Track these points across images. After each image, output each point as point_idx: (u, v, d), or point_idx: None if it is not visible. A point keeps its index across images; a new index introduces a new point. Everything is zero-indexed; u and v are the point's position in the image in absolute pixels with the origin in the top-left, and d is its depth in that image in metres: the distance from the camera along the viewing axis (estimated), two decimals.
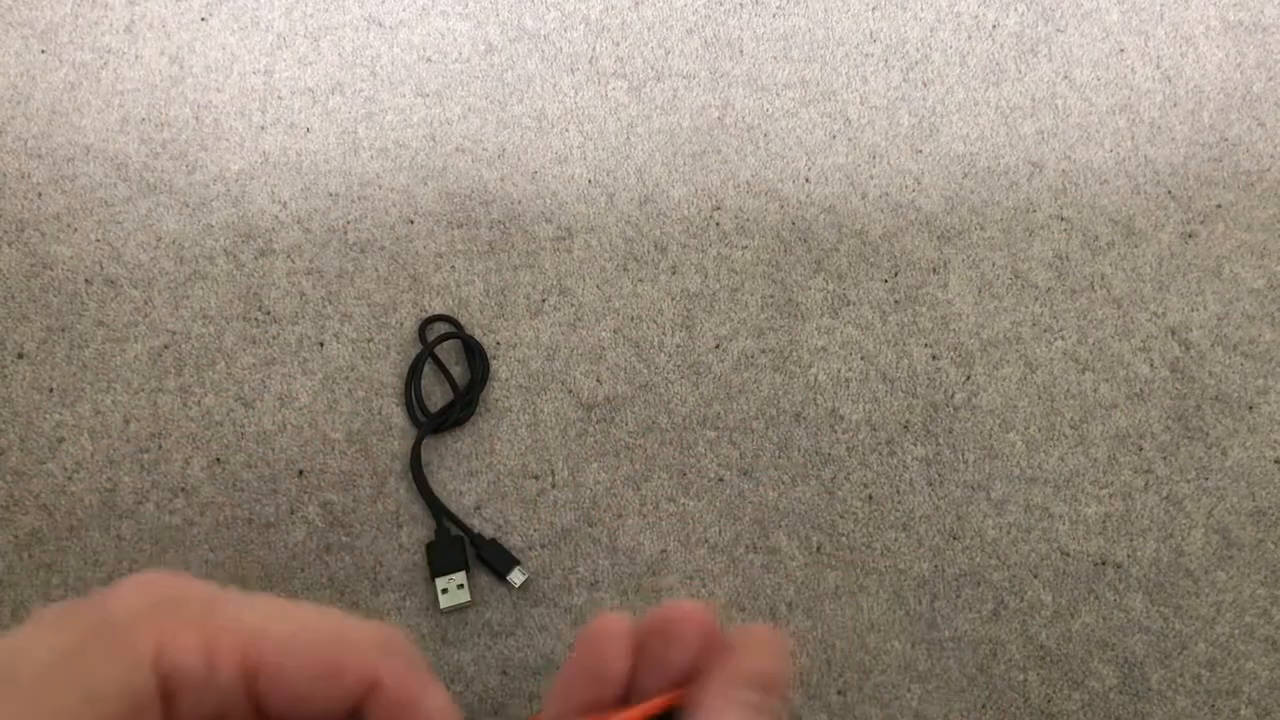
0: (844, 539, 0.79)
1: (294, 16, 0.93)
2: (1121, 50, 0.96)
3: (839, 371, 0.84)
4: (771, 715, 0.24)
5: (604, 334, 0.84)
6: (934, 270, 0.87)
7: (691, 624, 0.26)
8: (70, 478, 0.77)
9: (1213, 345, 0.86)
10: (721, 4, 0.96)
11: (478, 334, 0.83)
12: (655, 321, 0.84)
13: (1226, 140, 0.93)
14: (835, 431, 0.82)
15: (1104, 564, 0.80)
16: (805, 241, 0.87)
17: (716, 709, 0.24)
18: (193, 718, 0.21)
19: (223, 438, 0.79)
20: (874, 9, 0.96)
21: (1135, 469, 0.82)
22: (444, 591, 0.74)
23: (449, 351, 0.83)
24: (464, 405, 0.79)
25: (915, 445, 0.82)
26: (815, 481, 0.80)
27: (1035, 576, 0.79)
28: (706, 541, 0.79)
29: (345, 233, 0.86)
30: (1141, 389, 0.85)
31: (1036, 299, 0.87)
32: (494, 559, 0.75)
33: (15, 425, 0.79)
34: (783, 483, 0.80)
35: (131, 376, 0.81)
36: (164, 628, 0.20)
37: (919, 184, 0.90)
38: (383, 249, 0.85)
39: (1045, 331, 0.86)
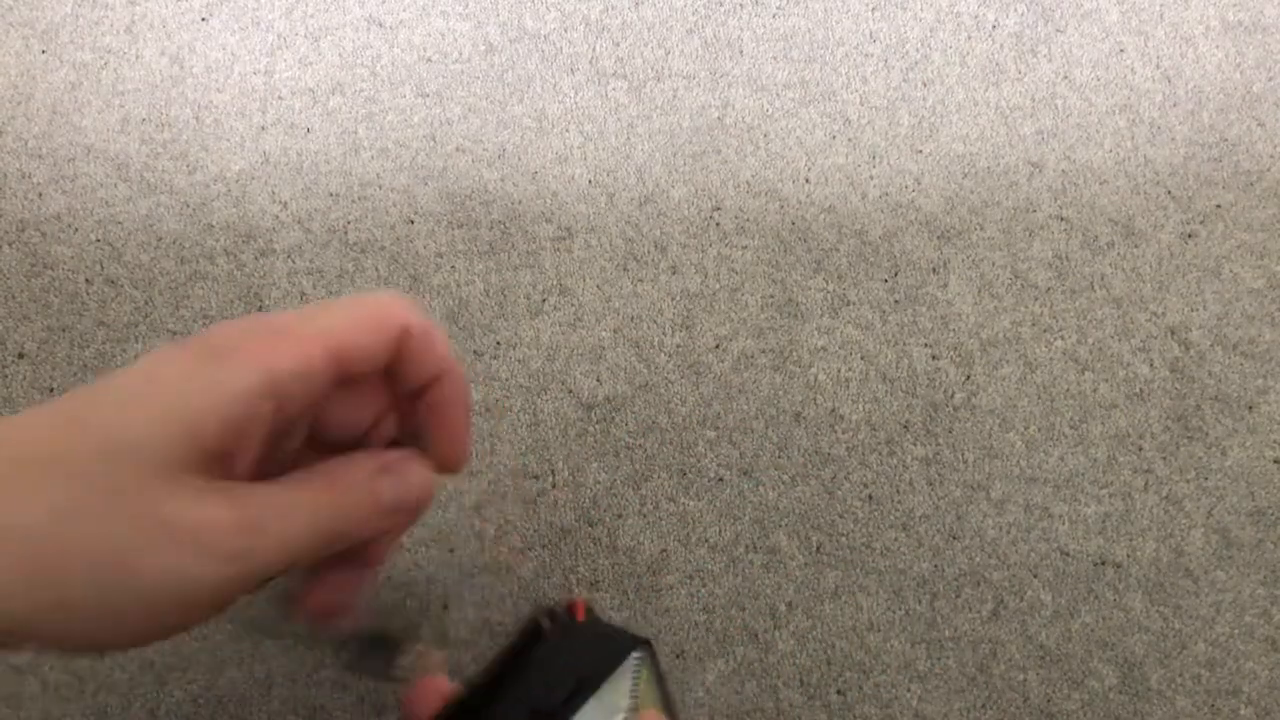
0: (844, 539, 0.79)
1: (294, 16, 0.93)
2: (1121, 50, 0.96)
3: (839, 371, 0.84)
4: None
5: (604, 334, 0.84)
6: (934, 270, 0.87)
7: None
8: None
9: (1212, 345, 0.86)
10: (721, 4, 0.96)
11: (478, 334, 0.83)
12: (655, 321, 0.84)
13: (1226, 140, 0.93)
14: (835, 431, 0.82)
15: (1104, 564, 0.80)
16: (805, 241, 0.87)
17: None
18: (297, 408, 0.29)
19: None
20: (874, 9, 0.96)
21: (1135, 469, 0.82)
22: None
23: None
24: None
25: (915, 445, 0.82)
26: (815, 481, 0.81)
27: (1035, 576, 0.79)
28: (706, 541, 0.79)
29: (345, 233, 0.86)
30: (1141, 389, 0.85)
31: (1036, 299, 0.87)
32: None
33: None
34: (783, 483, 0.80)
35: None
36: (268, 348, 0.28)
37: (919, 184, 0.90)
38: (383, 249, 0.85)
39: (1045, 331, 0.86)
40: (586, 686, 0.29)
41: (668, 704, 0.31)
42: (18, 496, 0.25)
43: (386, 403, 0.34)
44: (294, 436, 0.33)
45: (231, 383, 0.27)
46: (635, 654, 0.30)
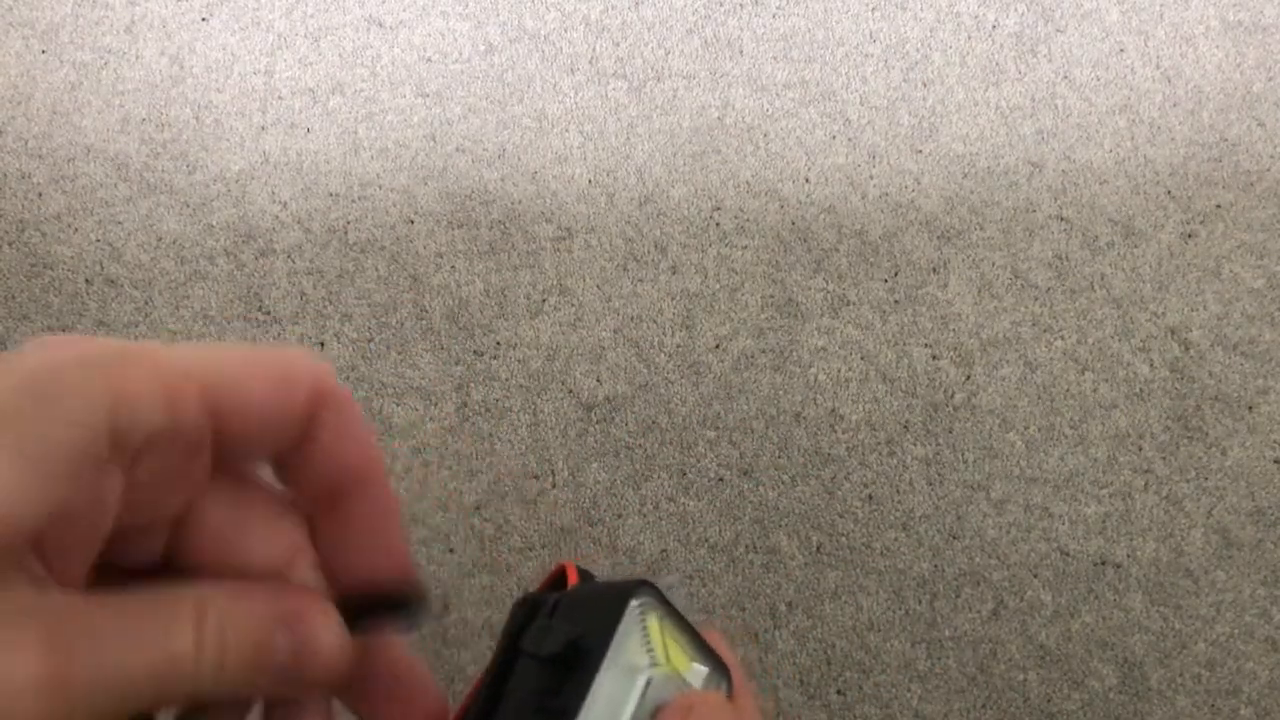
0: (844, 539, 0.79)
1: (294, 17, 0.93)
2: (1121, 50, 0.96)
3: (839, 371, 0.84)
4: None
5: (604, 334, 0.84)
6: (934, 270, 0.87)
7: None
8: None
9: (1213, 345, 0.86)
10: (721, 4, 0.96)
11: (478, 334, 0.83)
12: (655, 321, 0.84)
13: (1226, 140, 0.93)
14: (835, 431, 0.82)
15: (1104, 564, 0.80)
16: (805, 241, 0.87)
17: None
18: (158, 469, 0.19)
19: None
20: (874, 9, 0.96)
21: (1135, 469, 0.82)
22: None
23: None
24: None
25: (915, 445, 0.82)
26: (815, 481, 0.81)
27: (1035, 576, 0.79)
28: (706, 541, 0.79)
29: (345, 233, 0.86)
30: (1141, 389, 0.85)
31: (1036, 299, 0.87)
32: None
33: None
34: (783, 483, 0.80)
35: None
36: (115, 377, 0.18)
37: (919, 184, 0.90)
38: (383, 249, 0.85)
39: (1045, 331, 0.86)
40: (589, 662, 0.26)
41: (694, 639, 0.27)
42: None
43: (300, 532, 0.23)
44: (154, 534, 0.22)
45: (58, 415, 0.17)
46: (634, 602, 0.25)
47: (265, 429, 0.21)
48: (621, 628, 0.25)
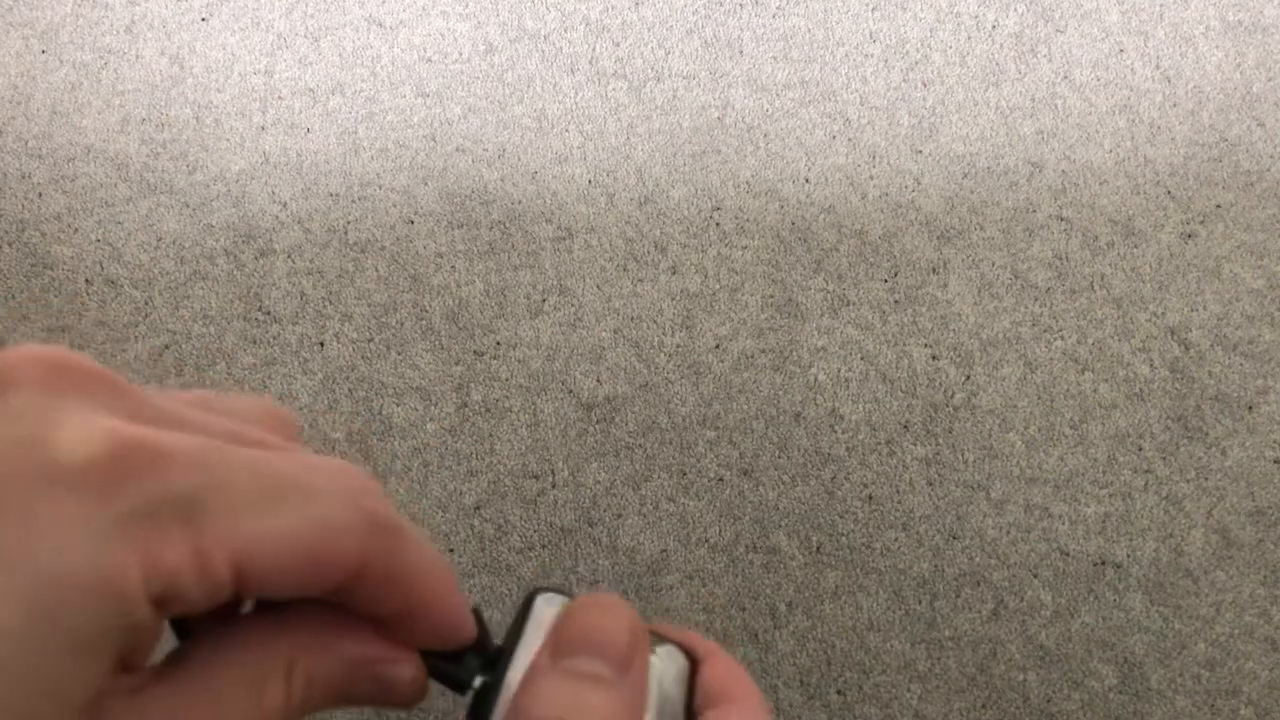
0: (844, 539, 0.79)
1: (294, 17, 0.93)
2: (1121, 50, 0.96)
3: (839, 371, 0.84)
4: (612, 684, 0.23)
5: (604, 334, 0.84)
6: (934, 270, 0.87)
7: None
8: None
9: (1212, 345, 0.86)
10: (721, 4, 0.96)
11: (478, 334, 0.83)
12: (655, 321, 0.84)
13: (1226, 140, 0.93)
14: (835, 431, 0.82)
15: (1104, 564, 0.80)
16: (805, 241, 0.87)
17: (537, 682, 0.23)
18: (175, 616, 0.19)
19: None
20: (874, 9, 0.96)
21: (1135, 469, 0.82)
22: None
23: None
24: None
25: (915, 445, 0.82)
26: (815, 481, 0.81)
27: (1035, 576, 0.79)
28: (706, 541, 0.79)
29: (345, 233, 0.86)
30: (1141, 389, 0.85)
31: (1036, 299, 0.87)
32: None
33: None
34: (783, 483, 0.80)
35: (132, 376, 0.81)
36: (150, 543, 0.17)
37: (919, 184, 0.90)
38: (383, 249, 0.85)
39: (1045, 331, 0.86)
40: (500, 672, 0.26)
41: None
42: None
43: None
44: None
45: (70, 641, 0.16)
46: (536, 601, 0.26)
47: (282, 588, 0.20)
48: (525, 633, 0.26)
